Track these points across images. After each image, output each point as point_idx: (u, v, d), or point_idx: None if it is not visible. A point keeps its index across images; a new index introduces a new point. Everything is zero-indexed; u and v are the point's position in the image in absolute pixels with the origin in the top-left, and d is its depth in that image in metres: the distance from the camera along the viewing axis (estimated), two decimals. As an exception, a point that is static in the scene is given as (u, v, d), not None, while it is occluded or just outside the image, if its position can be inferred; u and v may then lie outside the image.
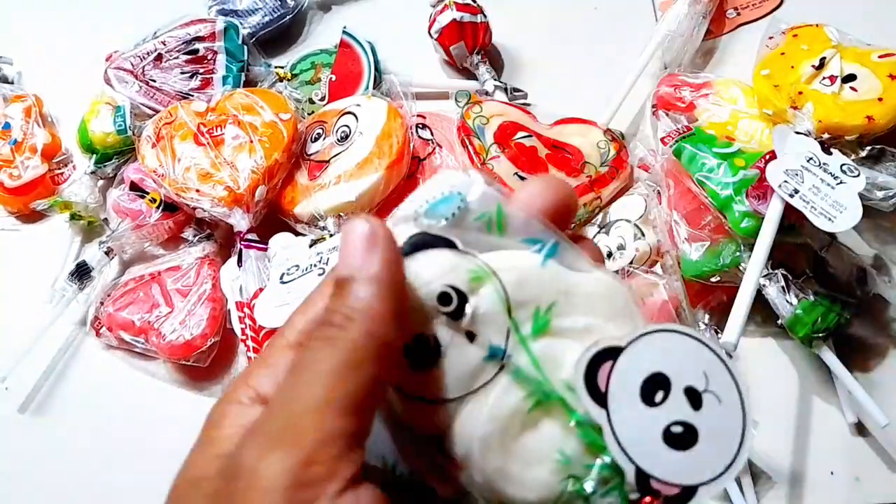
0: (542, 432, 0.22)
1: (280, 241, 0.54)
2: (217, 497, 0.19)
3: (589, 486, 0.22)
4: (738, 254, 0.48)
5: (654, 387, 0.22)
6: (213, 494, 0.19)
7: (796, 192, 0.46)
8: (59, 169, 0.64)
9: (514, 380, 0.22)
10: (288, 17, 0.70)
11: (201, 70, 0.64)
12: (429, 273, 0.22)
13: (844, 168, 0.48)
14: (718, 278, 0.49)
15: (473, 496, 0.23)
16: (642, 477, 0.22)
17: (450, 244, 0.23)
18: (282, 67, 0.66)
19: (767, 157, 0.48)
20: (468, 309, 0.22)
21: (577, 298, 0.23)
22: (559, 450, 0.22)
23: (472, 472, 0.22)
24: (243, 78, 0.64)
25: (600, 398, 0.22)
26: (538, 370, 0.22)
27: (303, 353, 0.21)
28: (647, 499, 0.22)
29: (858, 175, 0.48)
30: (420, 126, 0.59)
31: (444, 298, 0.22)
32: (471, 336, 0.22)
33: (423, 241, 0.23)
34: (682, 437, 0.22)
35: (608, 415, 0.22)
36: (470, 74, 0.66)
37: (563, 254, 0.24)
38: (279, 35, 0.71)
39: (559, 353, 0.23)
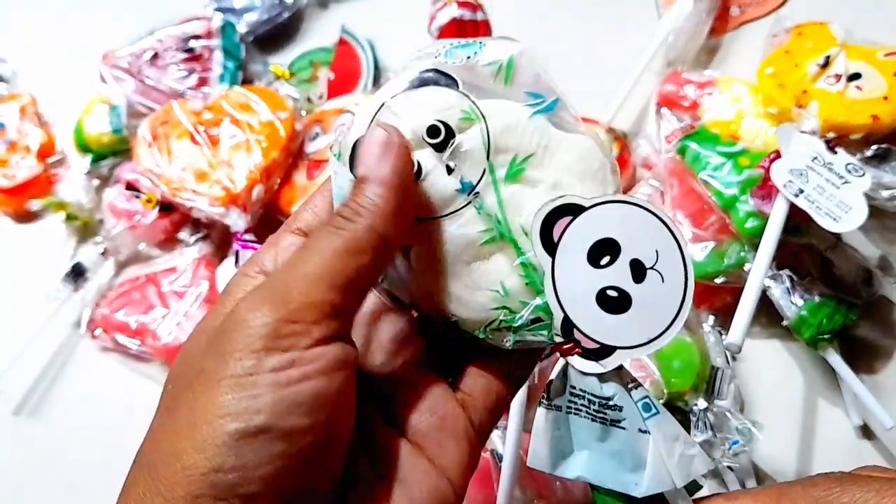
0: (490, 265, 0.25)
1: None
2: (212, 338, 0.22)
3: (519, 320, 0.25)
4: (742, 254, 0.48)
5: (603, 251, 0.24)
6: (211, 336, 0.22)
7: (801, 191, 0.45)
8: (54, 169, 0.63)
9: (478, 214, 0.25)
10: (286, 14, 0.69)
11: (198, 68, 0.63)
12: (425, 106, 0.25)
13: (850, 167, 0.47)
14: (723, 279, 0.48)
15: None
16: (568, 325, 0.24)
17: (454, 85, 0.25)
18: (280, 66, 0.66)
19: (772, 156, 0.47)
20: (451, 144, 0.25)
21: (555, 154, 0.25)
22: (501, 283, 0.25)
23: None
24: (240, 76, 0.64)
25: (551, 247, 0.24)
26: (500, 210, 0.25)
27: (311, 236, 0.25)
28: (569, 345, 0.25)
29: (864, 174, 0.47)
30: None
31: (432, 131, 0.25)
32: (449, 169, 0.25)
33: (431, 79, 0.25)
34: (614, 302, 0.24)
35: (553, 262, 0.24)
36: (470, 72, 0.65)
37: (559, 112, 0.26)
38: (277, 33, 0.70)
39: (524, 199, 0.25)
